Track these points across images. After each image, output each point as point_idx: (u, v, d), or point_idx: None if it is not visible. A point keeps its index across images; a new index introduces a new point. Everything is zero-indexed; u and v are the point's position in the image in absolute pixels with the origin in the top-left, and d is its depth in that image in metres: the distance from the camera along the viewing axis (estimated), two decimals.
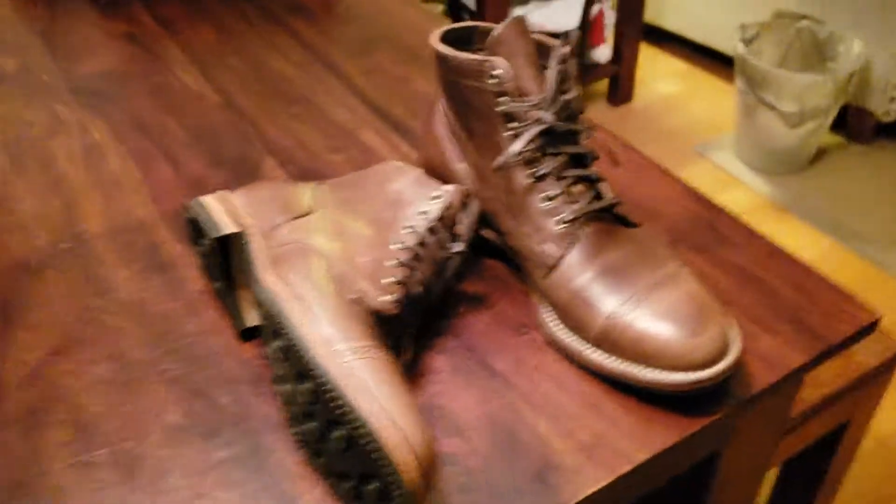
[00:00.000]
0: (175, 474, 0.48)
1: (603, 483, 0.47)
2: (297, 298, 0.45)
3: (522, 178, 0.54)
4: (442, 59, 0.56)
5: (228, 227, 0.53)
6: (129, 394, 0.53)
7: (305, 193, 0.58)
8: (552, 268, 0.54)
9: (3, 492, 0.47)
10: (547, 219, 0.54)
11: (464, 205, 0.57)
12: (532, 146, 0.54)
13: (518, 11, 1.86)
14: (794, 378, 0.54)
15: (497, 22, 1.82)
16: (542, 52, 0.57)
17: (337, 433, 0.41)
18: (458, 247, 0.55)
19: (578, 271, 0.53)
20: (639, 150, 0.73)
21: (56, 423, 0.51)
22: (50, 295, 0.60)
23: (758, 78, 1.84)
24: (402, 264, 0.52)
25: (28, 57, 0.89)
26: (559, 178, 0.54)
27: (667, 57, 2.47)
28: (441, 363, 0.54)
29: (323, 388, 0.41)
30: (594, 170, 0.55)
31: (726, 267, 0.61)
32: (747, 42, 1.93)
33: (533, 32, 0.55)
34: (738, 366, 0.50)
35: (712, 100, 2.27)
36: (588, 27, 2.01)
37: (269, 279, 0.46)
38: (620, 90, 2.19)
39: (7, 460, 0.49)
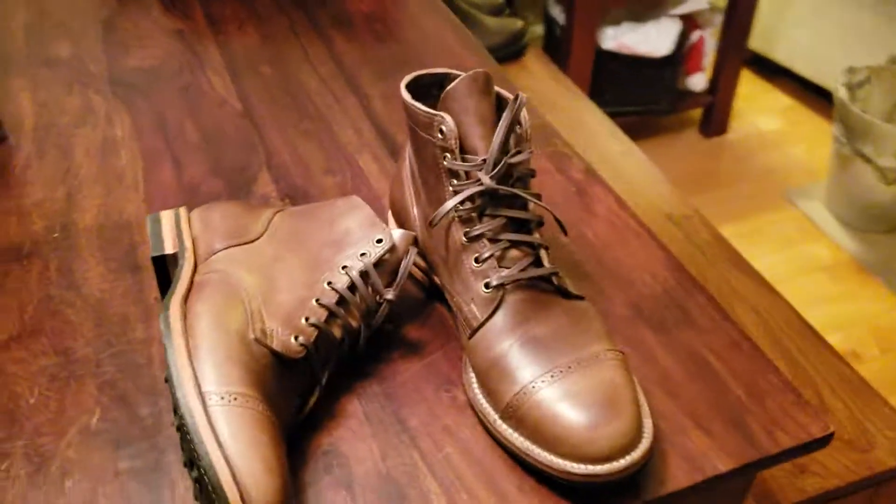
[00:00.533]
0: (76, 477, 0.51)
1: None
2: (189, 333, 0.46)
3: (459, 235, 0.54)
4: (404, 106, 0.56)
5: (165, 248, 0.55)
6: (63, 390, 0.56)
7: (262, 217, 0.59)
8: (475, 330, 0.53)
9: None
10: (476, 280, 0.53)
11: (407, 252, 0.57)
12: (468, 206, 0.53)
13: (609, 32, 1.82)
14: (717, 483, 0.51)
15: (583, 40, 1.78)
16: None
17: (195, 472, 0.42)
18: (389, 294, 0.55)
19: (499, 338, 0.52)
20: (629, 208, 0.71)
21: None
22: (26, 281, 0.64)
23: (858, 128, 1.73)
24: (323, 306, 0.53)
25: (83, 44, 0.95)
26: (493, 241, 0.53)
27: (771, 90, 2.35)
28: (355, 408, 0.55)
29: (184, 427, 0.42)
30: (536, 237, 0.54)
31: (681, 352, 0.59)
32: (853, 87, 1.82)
33: (491, 91, 0.54)
34: (641, 464, 0.47)
35: (813, 141, 2.16)
36: (684, 53, 1.95)
37: (174, 309, 0.48)
38: (714, 121, 2.11)
39: None
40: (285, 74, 0.89)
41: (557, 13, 1.84)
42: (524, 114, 0.54)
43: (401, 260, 0.56)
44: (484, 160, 0.53)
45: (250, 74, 0.90)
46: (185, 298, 0.49)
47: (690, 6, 1.89)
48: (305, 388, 0.52)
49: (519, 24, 1.54)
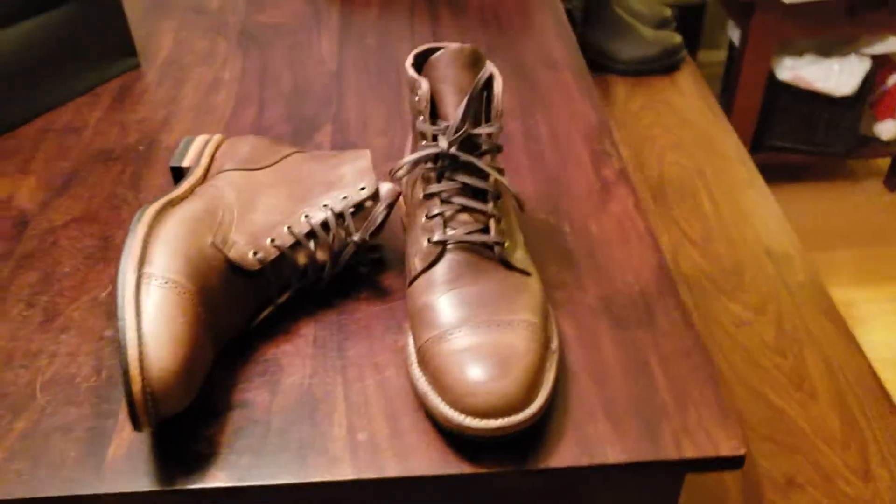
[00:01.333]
0: (70, 333, 0.61)
1: (347, 477, 0.51)
2: (155, 226, 0.54)
3: (419, 192, 0.58)
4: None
5: (182, 162, 0.64)
6: (92, 267, 0.67)
7: (280, 153, 0.66)
8: (412, 280, 0.57)
9: None
10: (422, 235, 0.57)
11: (390, 205, 0.62)
12: (430, 166, 0.57)
13: (787, 62, 1.73)
14: (603, 472, 0.52)
15: (755, 66, 1.72)
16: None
17: (117, 333, 0.50)
18: (356, 236, 0.60)
19: (429, 289, 0.56)
20: (644, 214, 0.71)
21: None
22: (102, 178, 0.76)
23: None
24: (292, 234, 0.59)
25: None
26: (445, 202, 0.57)
27: None
28: (308, 330, 0.61)
29: (116, 293, 0.50)
30: (489, 206, 0.57)
31: (628, 348, 0.59)
32: None
33: (476, 65, 0.58)
34: (514, 430, 0.50)
35: None
36: (872, 96, 1.81)
37: (151, 209, 0.56)
38: None
39: None
40: (385, 47, 0.97)
41: (735, 36, 1.78)
42: (496, 90, 0.57)
43: (373, 208, 0.62)
44: (447, 126, 0.57)
45: (355, 42, 0.98)
46: (173, 203, 0.58)
47: (888, 46, 1.76)
48: (258, 303, 0.59)
49: (676, 39, 1.52)
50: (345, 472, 0.51)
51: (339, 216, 0.61)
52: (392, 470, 0.52)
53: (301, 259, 0.60)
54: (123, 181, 0.76)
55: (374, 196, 0.63)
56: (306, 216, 0.61)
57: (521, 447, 0.53)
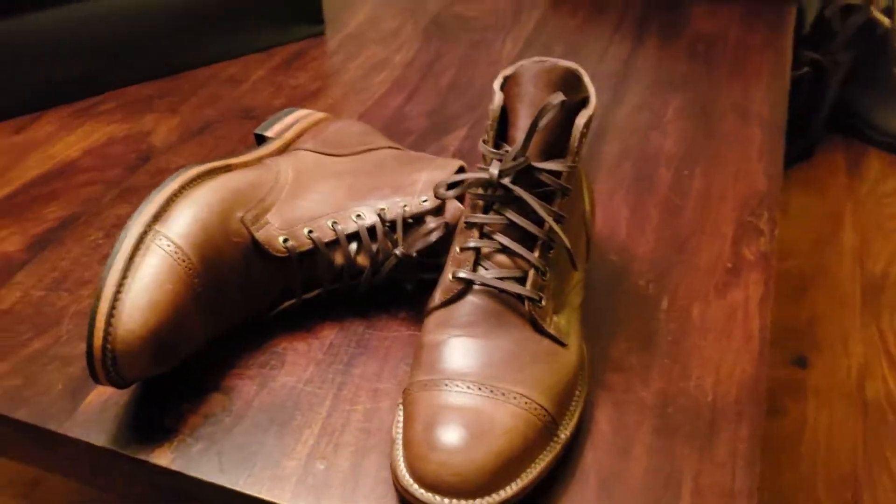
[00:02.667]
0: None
1: (280, 502, 0.46)
2: (190, 184, 0.52)
3: (464, 217, 0.51)
4: None
5: (266, 132, 0.62)
6: None
7: (368, 143, 0.62)
8: (428, 312, 0.50)
9: None
10: (451, 266, 0.50)
11: (448, 225, 0.56)
12: (479, 192, 0.50)
13: None
14: None
15: None
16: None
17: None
18: (398, 250, 0.55)
19: (439, 328, 0.49)
20: (766, 314, 0.58)
21: None
22: (231, 131, 0.77)
23: None
24: (333, 230, 0.55)
25: None
26: (484, 237, 0.49)
27: None
28: (326, 335, 0.56)
29: (116, 241, 0.49)
30: (535, 256, 0.49)
31: (662, 465, 0.48)
32: None
33: (563, 87, 0.49)
34: None
35: None
36: None
37: (200, 168, 0.54)
38: None
39: None
40: (572, 58, 0.89)
41: None
42: (580, 124, 0.48)
43: (431, 225, 0.56)
44: (507, 151, 0.49)
45: (539, 50, 0.91)
46: (225, 170, 0.56)
47: None
48: (280, 293, 0.55)
49: None
50: (281, 497, 0.47)
51: (390, 224, 0.56)
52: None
53: (338, 259, 0.55)
54: (248, 140, 0.76)
55: (437, 211, 0.57)
56: (358, 216, 0.56)
57: None
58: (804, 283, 1.07)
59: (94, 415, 0.51)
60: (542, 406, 0.46)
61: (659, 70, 0.88)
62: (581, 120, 0.49)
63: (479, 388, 0.45)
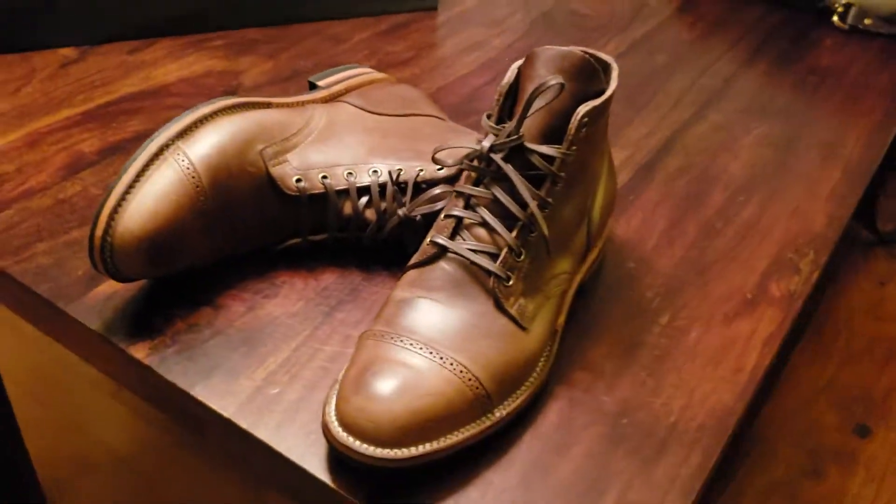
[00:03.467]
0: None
1: (225, 413, 0.49)
2: (222, 112, 0.56)
3: (456, 186, 0.52)
4: None
5: (319, 81, 0.65)
6: None
7: (415, 110, 0.64)
8: (406, 269, 0.52)
9: None
10: (434, 230, 0.51)
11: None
12: (472, 164, 0.50)
13: None
14: None
15: None
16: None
17: None
18: (400, 211, 0.56)
19: (409, 287, 0.50)
20: (779, 338, 0.55)
21: None
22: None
23: None
24: (347, 180, 0.57)
25: None
26: (468, 208, 0.50)
27: None
28: (324, 279, 0.59)
29: (142, 146, 0.53)
30: (512, 236, 0.49)
31: (597, 473, 0.47)
32: None
33: (578, 74, 0.49)
34: (364, 460, 0.43)
35: None
36: None
37: (235, 99, 0.58)
38: None
39: None
40: (666, 69, 0.87)
41: None
42: (581, 112, 0.48)
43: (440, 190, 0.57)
44: (501, 128, 0.49)
45: (641, 54, 0.89)
46: (262, 106, 0.59)
47: None
48: (289, 230, 0.58)
49: None
50: (226, 409, 0.50)
51: (402, 185, 0.58)
52: (262, 433, 0.48)
53: (347, 209, 0.58)
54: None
55: (451, 181, 0.58)
56: (374, 171, 0.58)
57: (384, 491, 0.46)
58: (894, 352, 0.99)
59: (99, 303, 0.56)
60: (477, 379, 0.46)
61: (757, 95, 0.84)
62: (583, 109, 0.48)
63: (422, 348, 0.46)
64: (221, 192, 0.54)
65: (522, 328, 0.49)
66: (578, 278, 0.56)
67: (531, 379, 0.50)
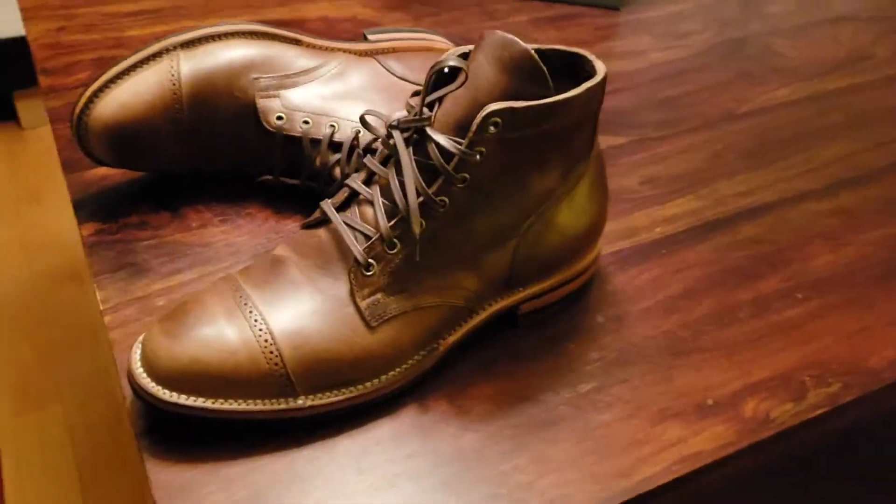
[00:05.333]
0: None
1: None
2: (239, 35, 0.57)
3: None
4: None
5: (371, 34, 0.63)
6: None
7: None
8: (300, 227, 0.49)
9: None
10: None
11: None
12: (380, 137, 0.46)
13: None
14: None
15: None
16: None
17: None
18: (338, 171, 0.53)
19: (288, 245, 0.47)
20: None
21: None
22: None
23: None
24: (322, 132, 0.55)
25: None
26: (367, 183, 0.46)
27: None
28: (284, 220, 0.58)
29: (148, 44, 0.56)
30: (384, 223, 0.44)
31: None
32: None
33: (511, 63, 0.42)
34: (146, 396, 0.41)
35: None
36: None
37: (258, 26, 0.58)
38: None
39: None
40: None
41: None
42: (487, 111, 0.41)
43: None
44: (407, 105, 0.44)
45: (818, 110, 0.74)
46: (293, 42, 0.59)
47: None
48: (261, 163, 0.58)
49: None
50: (107, 301, 0.51)
51: (369, 150, 0.54)
52: (116, 333, 0.49)
53: (318, 160, 0.56)
54: None
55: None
56: (358, 132, 0.55)
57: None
58: None
59: (95, 178, 0.61)
60: (279, 354, 0.42)
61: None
62: (491, 107, 0.41)
63: (245, 305, 0.44)
64: (200, 107, 0.56)
65: (368, 325, 0.44)
66: (500, 304, 0.49)
67: (365, 384, 0.45)
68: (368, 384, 0.45)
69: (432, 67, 0.43)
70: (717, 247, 0.59)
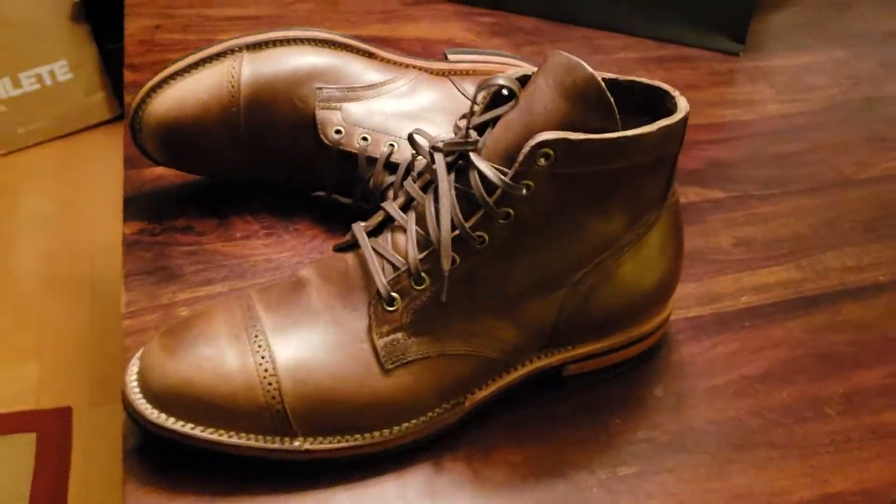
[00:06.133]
0: None
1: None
2: (310, 40, 0.54)
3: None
4: None
5: (450, 53, 0.58)
6: None
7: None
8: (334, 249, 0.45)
9: None
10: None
11: None
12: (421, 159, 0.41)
13: None
14: None
15: None
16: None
17: None
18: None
19: (315, 268, 0.43)
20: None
21: None
22: None
23: None
24: (383, 151, 0.51)
25: None
26: (403, 208, 0.41)
27: None
28: (333, 239, 0.54)
29: (214, 43, 0.54)
30: (413, 254, 0.39)
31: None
32: None
33: (581, 98, 0.36)
34: (129, 410, 0.38)
35: None
36: None
37: (335, 35, 0.55)
38: None
39: None
40: None
41: None
42: (537, 140, 0.35)
43: None
44: (461, 130, 0.39)
45: None
46: (366, 54, 0.56)
47: None
48: (315, 178, 0.54)
49: None
50: (129, 305, 0.49)
51: (408, 168, 0.50)
52: (129, 340, 0.46)
53: (374, 180, 0.52)
54: None
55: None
56: (391, 145, 0.51)
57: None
58: None
59: (152, 176, 0.59)
60: (279, 388, 0.38)
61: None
62: (543, 136, 0.36)
63: (253, 327, 0.40)
64: (256, 112, 0.53)
65: (383, 367, 0.39)
66: (542, 362, 0.43)
67: (373, 433, 0.40)
68: (377, 434, 0.40)
69: (479, 86, 0.39)
70: (812, 327, 0.51)
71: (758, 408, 0.45)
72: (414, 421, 0.41)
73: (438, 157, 0.39)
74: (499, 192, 0.38)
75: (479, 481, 0.40)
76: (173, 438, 0.38)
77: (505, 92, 0.41)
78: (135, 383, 0.40)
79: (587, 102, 0.37)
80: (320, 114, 0.53)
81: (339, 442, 0.39)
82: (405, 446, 0.41)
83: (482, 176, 0.38)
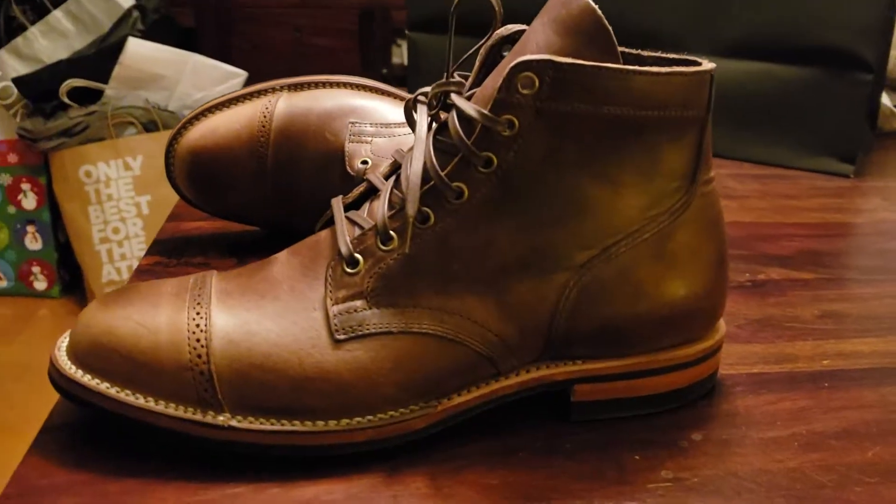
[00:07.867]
0: None
1: None
2: (347, 85, 0.53)
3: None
4: None
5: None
6: None
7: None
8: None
9: None
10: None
11: None
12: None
13: None
14: None
15: None
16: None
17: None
18: None
19: (293, 248, 0.39)
20: None
21: None
22: None
23: None
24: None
25: None
26: (390, 177, 0.36)
27: None
28: None
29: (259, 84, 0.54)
30: (385, 215, 0.34)
31: None
32: None
33: (586, 34, 0.32)
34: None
35: None
36: None
37: (380, 85, 0.53)
38: None
39: None
40: None
41: None
42: (514, 60, 0.31)
43: None
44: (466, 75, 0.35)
45: None
46: (394, 97, 0.54)
47: None
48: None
49: None
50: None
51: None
52: None
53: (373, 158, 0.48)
54: None
55: None
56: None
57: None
58: None
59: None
60: (207, 347, 0.33)
61: None
62: (523, 58, 0.31)
63: (200, 292, 0.35)
64: (286, 144, 0.52)
65: (332, 337, 0.33)
66: (541, 374, 0.35)
67: (316, 421, 0.33)
68: (321, 423, 0.33)
69: (485, 43, 0.35)
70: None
71: (830, 462, 0.34)
72: (369, 416, 0.33)
73: (421, 108, 0.35)
74: (478, 129, 0.33)
75: (443, 502, 0.32)
76: (86, 400, 0.33)
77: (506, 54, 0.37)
78: (65, 342, 0.35)
79: (583, 34, 0.33)
80: (350, 146, 0.51)
81: (271, 424, 0.32)
82: (357, 447, 0.33)
83: (461, 115, 0.33)
